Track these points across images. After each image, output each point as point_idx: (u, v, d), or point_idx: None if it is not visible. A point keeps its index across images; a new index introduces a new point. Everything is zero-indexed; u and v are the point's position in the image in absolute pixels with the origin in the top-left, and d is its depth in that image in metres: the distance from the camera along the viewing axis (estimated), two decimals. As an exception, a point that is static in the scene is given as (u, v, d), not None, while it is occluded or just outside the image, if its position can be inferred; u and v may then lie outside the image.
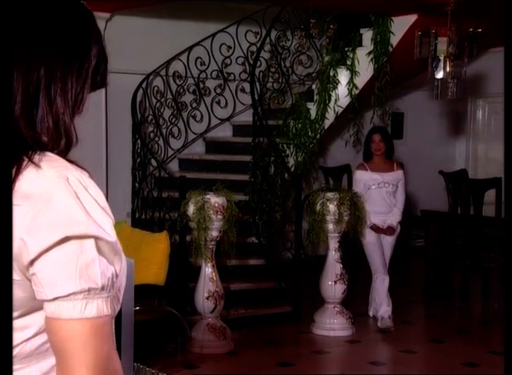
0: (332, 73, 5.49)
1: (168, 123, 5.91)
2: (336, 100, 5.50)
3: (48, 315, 0.82)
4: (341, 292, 4.61)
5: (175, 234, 4.50)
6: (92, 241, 0.81)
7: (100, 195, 0.85)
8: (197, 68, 5.90)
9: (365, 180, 4.70)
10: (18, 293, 0.83)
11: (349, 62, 5.50)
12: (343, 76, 5.54)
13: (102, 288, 0.82)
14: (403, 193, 4.82)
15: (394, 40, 5.40)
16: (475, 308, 5.69)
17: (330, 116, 5.51)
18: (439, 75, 4.61)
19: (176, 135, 5.94)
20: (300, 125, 5.51)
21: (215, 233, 4.20)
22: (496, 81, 6.05)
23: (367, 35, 5.51)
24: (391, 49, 5.43)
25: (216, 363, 4.11)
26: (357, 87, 5.50)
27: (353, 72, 5.50)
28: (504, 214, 3.41)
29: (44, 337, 0.86)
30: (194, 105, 6.01)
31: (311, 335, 4.64)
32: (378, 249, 4.76)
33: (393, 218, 4.76)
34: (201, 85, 6.00)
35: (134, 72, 5.62)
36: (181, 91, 5.95)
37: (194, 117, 6.02)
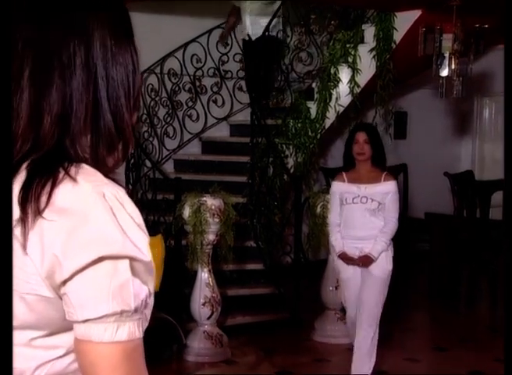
0: (332, 71, 5.50)
1: (163, 123, 5.92)
2: (336, 99, 5.50)
3: (77, 336, 0.82)
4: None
5: (170, 238, 4.50)
6: (127, 261, 0.81)
7: (136, 212, 0.84)
8: (193, 65, 5.91)
9: (341, 192, 3.72)
10: (49, 311, 0.83)
11: (350, 60, 5.50)
12: (345, 73, 5.55)
13: (135, 310, 0.82)
14: (395, 212, 3.65)
15: (397, 36, 5.41)
16: (482, 313, 5.70)
17: (331, 116, 5.52)
18: (444, 73, 4.62)
19: (171, 135, 5.95)
20: (299, 124, 5.51)
21: (211, 237, 4.20)
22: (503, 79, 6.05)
23: (369, 31, 5.52)
24: (394, 46, 5.44)
25: (213, 372, 4.11)
26: (358, 86, 5.50)
27: (354, 69, 5.51)
28: (503, 216, 3.42)
29: (72, 357, 0.86)
30: (190, 103, 6.02)
31: (311, 342, 4.64)
32: (353, 290, 3.69)
33: (375, 246, 3.58)
34: (197, 83, 6.02)
35: (128, 69, 5.61)
36: (176, 89, 5.96)
37: (190, 116, 6.02)
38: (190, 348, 4.20)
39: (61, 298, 0.82)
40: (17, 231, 0.80)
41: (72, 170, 0.83)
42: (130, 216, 0.83)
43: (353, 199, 3.68)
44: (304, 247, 5.02)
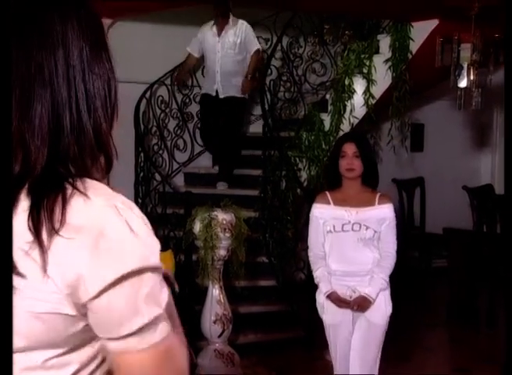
0: (347, 82, 5.50)
1: (173, 135, 5.94)
2: (351, 110, 5.50)
3: (114, 350, 0.86)
4: (358, 316, 4.52)
5: (180, 253, 4.49)
6: (149, 272, 0.84)
7: (143, 217, 0.87)
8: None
9: (325, 218, 3.14)
10: (69, 328, 0.84)
11: (365, 70, 5.50)
12: (359, 85, 5.55)
13: (164, 309, 0.86)
14: (394, 244, 3.15)
15: (414, 46, 5.41)
16: (503, 332, 5.62)
17: (345, 128, 5.51)
18: (463, 84, 4.60)
19: (181, 148, 5.96)
20: (313, 137, 5.50)
21: (222, 253, 4.18)
22: (523, 90, 6.02)
23: (384, 41, 5.52)
24: (410, 56, 5.44)
25: (224, 392, 4.07)
26: (373, 97, 5.50)
27: (369, 80, 5.51)
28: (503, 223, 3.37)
29: (85, 373, 0.88)
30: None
31: (324, 362, 4.58)
32: (345, 339, 3.15)
33: (371, 285, 3.07)
34: (208, 95, 6.02)
35: (137, 81, 5.64)
36: (187, 100, 5.98)
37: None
38: (200, 366, 4.17)
39: (83, 315, 0.84)
40: (34, 254, 0.81)
41: (80, 185, 0.84)
42: (143, 222, 0.86)
43: (342, 226, 3.10)
44: (317, 263, 4.98)
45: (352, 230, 3.10)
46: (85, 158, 0.87)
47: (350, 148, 3.17)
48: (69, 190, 0.83)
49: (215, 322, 4.17)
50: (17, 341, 0.83)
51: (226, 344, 4.26)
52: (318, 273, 3.17)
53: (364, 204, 3.14)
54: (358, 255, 3.10)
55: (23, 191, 0.83)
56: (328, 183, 3.29)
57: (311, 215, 3.22)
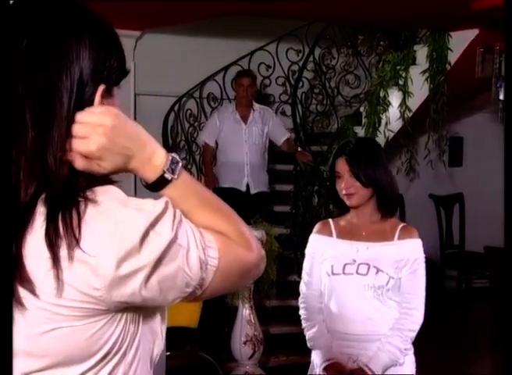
0: (382, 94, 5.50)
1: (202, 150, 5.98)
2: (386, 123, 5.49)
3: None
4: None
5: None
6: (173, 243, 0.89)
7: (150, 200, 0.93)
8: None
9: (324, 254, 2.40)
10: (88, 341, 0.89)
11: (401, 82, 5.50)
12: (395, 97, 5.54)
13: (204, 252, 0.93)
14: (420, 296, 2.31)
15: (452, 57, 5.39)
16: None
17: (380, 141, 5.48)
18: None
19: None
20: (346, 151, 5.50)
21: (253, 271, 4.19)
22: None
23: (421, 52, 5.51)
24: (449, 67, 5.41)
25: (254, 417, 4.06)
26: (410, 110, 5.48)
27: (405, 92, 5.50)
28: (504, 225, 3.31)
29: None
30: (230, 129, 6.07)
31: (360, 387, 4.55)
32: None
33: (379, 356, 2.26)
34: (238, 108, 6.07)
35: (166, 94, 5.72)
36: (216, 114, 6.03)
37: (230, 143, 6.07)
38: (229, 390, 4.17)
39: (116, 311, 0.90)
40: (53, 270, 0.84)
41: (92, 194, 0.88)
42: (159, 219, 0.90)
43: (344, 267, 2.32)
44: (351, 282, 4.96)
45: (356, 272, 2.30)
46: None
47: (342, 166, 2.37)
48: (83, 201, 0.87)
49: (245, 343, 4.17)
50: (37, 362, 0.88)
51: (257, 367, 4.25)
52: (314, 334, 2.37)
53: (379, 238, 2.34)
54: (364, 310, 2.28)
55: (39, 204, 0.87)
56: (338, 208, 2.51)
57: (306, 250, 2.50)
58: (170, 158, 0.94)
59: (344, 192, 2.35)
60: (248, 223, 4.23)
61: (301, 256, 5.15)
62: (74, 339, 0.87)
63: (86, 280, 0.85)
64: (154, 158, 0.93)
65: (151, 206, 0.89)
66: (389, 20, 5.31)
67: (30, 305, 0.85)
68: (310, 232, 5.12)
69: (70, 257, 0.84)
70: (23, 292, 0.86)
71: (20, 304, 0.85)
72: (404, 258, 2.30)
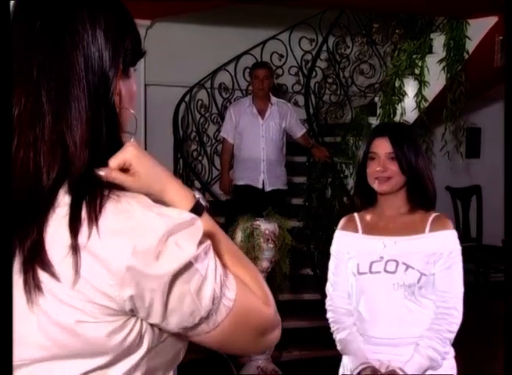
0: (397, 84, 5.48)
1: (214, 141, 6.00)
2: (402, 114, 5.47)
3: (186, 335, 0.94)
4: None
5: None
6: (192, 264, 0.88)
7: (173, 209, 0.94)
8: (245, 79, 5.98)
9: (351, 252, 2.29)
10: (103, 337, 0.89)
11: (417, 71, 5.47)
12: (411, 87, 5.52)
13: (220, 288, 0.91)
14: (455, 292, 2.21)
15: (470, 45, 5.35)
16: None
17: (396, 132, 5.48)
18: (523, 85, 4.55)
19: (220, 154, 6.02)
20: (360, 142, 5.49)
21: (265, 264, 4.21)
22: None
23: (438, 40, 5.48)
24: (467, 56, 5.38)
25: (266, 412, 4.09)
26: (426, 100, 5.46)
27: (421, 82, 5.48)
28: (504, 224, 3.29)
29: None
30: (242, 120, 6.08)
31: (374, 382, 4.57)
32: None
33: (414, 360, 2.13)
34: (250, 98, 6.08)
35: (176, 84, 5.74)
36: (227, 104, 6.03)
37: (242, 134, 6.09)
38: (241, 384, 4.21)
39: (124, 324, 0.89)
40: (73, 258, 0.85)
41: (119, 193, 0.89)
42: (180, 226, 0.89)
43: (371, 266, 2.20)
44: (366, 276, 4.97)
45: (384, 270, 2.17)
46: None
47: (381, 146, 2.21)
48: (107, 193, 0.88)
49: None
50: (42, 350, 0.88)
51: (270, 361, 4.28)
52: (344, 338, 2.28)
53: (408, 231, 2.20)
54: (395, 312, 2.15)
55: (61, 192, 0.88)
56: (361, 199, 2.34)
57: (332, 248, 2.39)
58: (195, 199, 0.97)
59: (377, 175, 2.20)
60: (260, 215, 4.26)
61: (314, 250, 5.20)
62: (83, 334, 0.87)
63: (99, 275, 0.85)
64: (178, 198, 0.96)
65: (175, 213, 0.90)
66: (404, 7, 5.28)
67: (46, 290, 0.86)
68: (323, 225, 5.18)
69: (89, 250, 0.85)
70: (42, 275, 0.86)
71: (38, 288, 0.86)
72: (437, 252, 2.15)
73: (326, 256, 5.10)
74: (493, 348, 5.53)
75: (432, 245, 2.16)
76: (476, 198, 7.01)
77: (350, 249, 2.28)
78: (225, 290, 0.92)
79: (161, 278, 0.85)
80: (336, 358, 5.06)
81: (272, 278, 4.35)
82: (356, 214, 2.35)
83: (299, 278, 4.97)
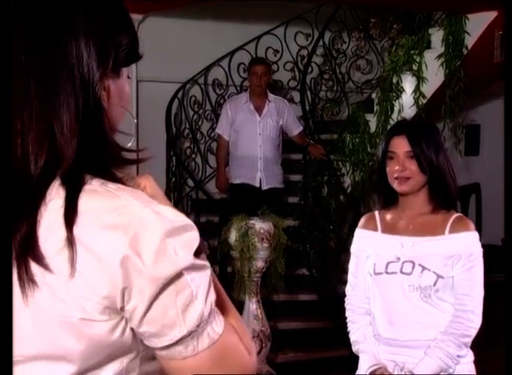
0: (395, 80, 5.46)
1: (207, 138, 5.98)
2: (399, 111, 5.46)
3: (161, 356, 0.90)
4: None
5: (214, 265, 4.50)
6: (183, 275, 0.86)
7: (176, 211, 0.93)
8: (240, 75, 5.96)
9: (369, 251, 2.28)
10: (98, 336, 0.87)
11: (415, 67, 5.46)
12: (408, 83, 5.50)
13: (209, 315, 0.88)
14: (474, 295, 2.25)
15: (469, 41, 5.34)
16: None
17: (393, 129, 5.47)
18: (523, 81, 4.53)
19: (215, 151, 5.99)
20: (357, 140, 5.48)
21: (260, 264, 4.19)
22: None
23: (436, 36, 5.47)
24: (465, 51, 5.37)
25: (261, 415, 4.07)
26: (424, 96, 5.45)
27: (419, 78, 5.46)
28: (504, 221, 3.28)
29: None
30: (237, 117, 6.06)
31: (371, 384, 4.55)
32: None
33: (426, 363, 2.13)
34: (245, 94, 6.06)
35: (169, 80, 5.71)
36: (221, 101, 6.02)
37: (236, 131, 6.06)
38: (235, 387, 4.18)
39: (116, 325, 0.88)
40: (68, 252, 0.84)
41: (114, 187, 0.88)
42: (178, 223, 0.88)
43: (387, 266, 2.19)
44: (363, 276, 4.96)
45: (401, 271, 2.16)
46: (114, 152, 0.94)
47: (399, 145, 2.20)
48: (104, 187, 0.87)
49: (252, 339, 4.17)
50: (35, 346, 0.86)
51: (265, 363, 4.26)
52: (357, 338, 2.28)
53: (427, 232, 2.19)
54: (410, 314, 2.14)
55: (53, 185, 0.87)
56: (383, 198, 2.32)
57: (352, 247, 2.37)
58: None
59: (396, 175, 2.19)
60: (255, 214, 4.23)
61: (310, 249, 5.19)
62: (76, 332, 0.86)
63: (94, 270, 0.84)
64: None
65: (171, 214, 0.88)
66: (402, 2, 5.27)
67: (41, 284, 0.85)
68: (319, 224, 5.16)
69: (84, 244, 0.84)
70: (36, 269, 0.85)
71: (33, 282, 0.85)
72: (456, 254, 2.14)
73: (322, 256, 5.13)
74: (493, 349, 5.51)
75: (451, 247, 2.15)
76: (475, 197, 7.00)
77: (368, 248, 2.27)
78: (214, 321, 0.89)
79: (154, 281, 0.84)
80: (332, 360, 5.05)
81: (267, 278, 4.34)
82: (377, 212, 2.34)
83: (294, 278, 4.96)
